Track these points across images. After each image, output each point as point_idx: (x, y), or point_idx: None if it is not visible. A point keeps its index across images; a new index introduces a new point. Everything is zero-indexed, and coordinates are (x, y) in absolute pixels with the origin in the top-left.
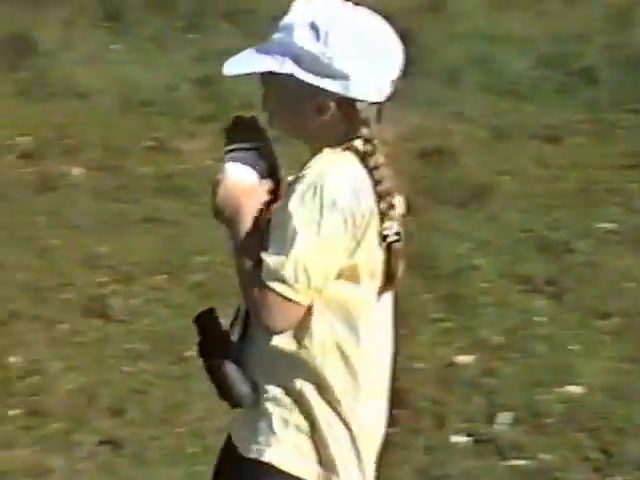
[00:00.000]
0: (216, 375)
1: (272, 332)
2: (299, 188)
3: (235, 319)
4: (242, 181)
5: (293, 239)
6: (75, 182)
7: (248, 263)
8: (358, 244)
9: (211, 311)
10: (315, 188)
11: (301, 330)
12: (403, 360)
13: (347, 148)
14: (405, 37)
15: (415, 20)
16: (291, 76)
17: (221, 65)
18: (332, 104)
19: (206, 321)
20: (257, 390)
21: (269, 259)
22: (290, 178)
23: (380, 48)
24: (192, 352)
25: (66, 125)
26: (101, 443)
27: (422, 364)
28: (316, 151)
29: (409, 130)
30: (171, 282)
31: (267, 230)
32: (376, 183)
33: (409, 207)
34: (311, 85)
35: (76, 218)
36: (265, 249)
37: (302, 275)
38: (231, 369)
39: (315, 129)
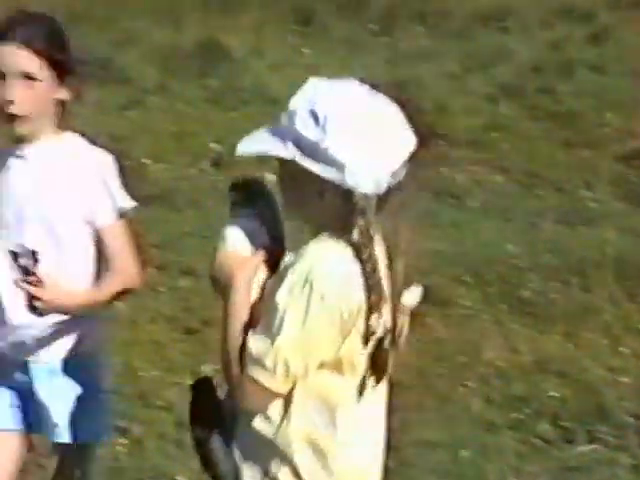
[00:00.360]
0: (202, 447)
1: (247, 412)
2: (290, 278)
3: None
4: (237, 251)
5: (278, 328)
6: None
7: (233, 341)
8: (344, 339)
9: (207, 380)
10: (305, 280)
11: (280, 415)
12: (605, 373)
13: (342, 237)
14: None
15: None
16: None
17: (413, 68)
18: (331, 190)
19: (201, 389)
20: (237, 469)
21: (252, 344)
22: (286, 259)
23: (381, 139)
24: None
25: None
26: None
27: (626, 378)
28: (314, 233)
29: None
30: None
31: (257, 308)
32: (367, 276)
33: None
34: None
35: None
36: (253, 329)
37: (281, 365)
38: (217, 444)
39: (316, 212)
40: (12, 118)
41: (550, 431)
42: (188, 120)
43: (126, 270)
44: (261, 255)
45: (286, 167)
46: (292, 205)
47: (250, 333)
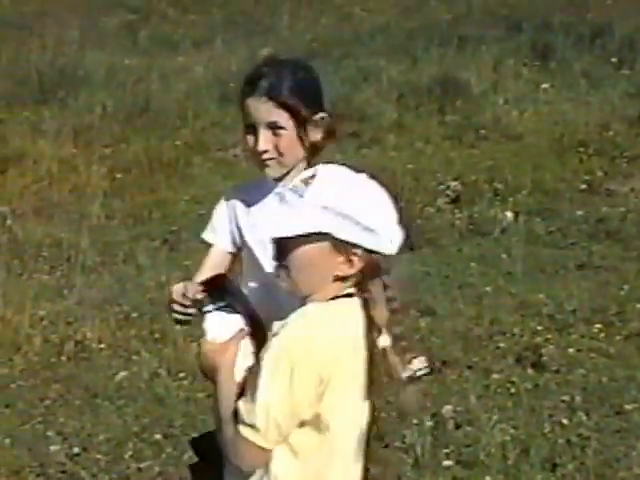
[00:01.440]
0: None
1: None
2: (274, 345)
3: None
4: (215, 339)
5: (266, 391)
6: (506, 227)
7: (226, 410)
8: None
9: (210, 435)
10: (286, 348)
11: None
12: None
13: (350, 295)
14: None
15: None
16: (326, 234)
17: None
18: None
19: (202, 446)
20: None
21: (243, 407)
22: (274, 328)
23: (385, 215)
24: (631, 405)
25: (496, 168)
26: None
27: None
28: (309, 298)
29: None
30: (608, 331)
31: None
32: (369, 331)
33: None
34: (343, 242)
35: (508, 264)
36: (244, 397)
37: (272, 424)
38: None
39: (329, 281)
40: (265, 164)
41: None
42: (425, 157)
43: None
44: (239, 337)
45: (308, 243)
46: (303, 284)
47: (242, 400)
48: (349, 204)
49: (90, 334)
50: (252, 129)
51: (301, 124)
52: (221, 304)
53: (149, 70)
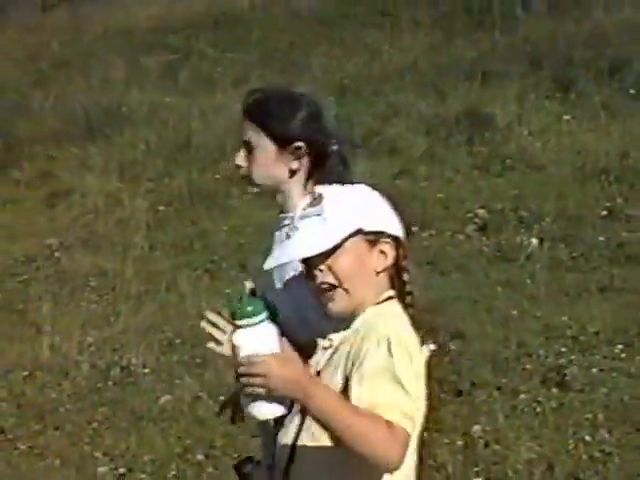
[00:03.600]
0: None
1: (395, 467)
2: (381, 342)
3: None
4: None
5: (400, 384)
6: (531, 253)
7: (346, 415)
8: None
9: (250, 459)
10: (396, 339)
11: None
12: None
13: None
14: None
15: None
16: (358, 233)
17: None
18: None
19: (245, 468)
20: None
21: (381, 400)
22: (336, 338)
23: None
24: None
25: (521, 197)
26: None
27: None
28: (360, 307)
29: None
30: (629, 351)
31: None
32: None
33: None
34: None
35: (533, 288)
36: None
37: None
38: None
39: (374, 280)
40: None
41: None
42: (455, 187)
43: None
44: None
45: (346, 251)
46: (353, 286)
47: (369, 399)
48: (364, 200)
49: (135, 360)
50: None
51: (274, 148)
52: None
53: (190, 108)
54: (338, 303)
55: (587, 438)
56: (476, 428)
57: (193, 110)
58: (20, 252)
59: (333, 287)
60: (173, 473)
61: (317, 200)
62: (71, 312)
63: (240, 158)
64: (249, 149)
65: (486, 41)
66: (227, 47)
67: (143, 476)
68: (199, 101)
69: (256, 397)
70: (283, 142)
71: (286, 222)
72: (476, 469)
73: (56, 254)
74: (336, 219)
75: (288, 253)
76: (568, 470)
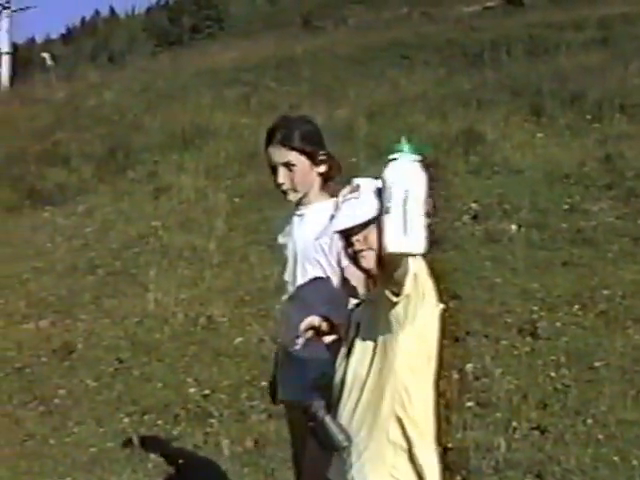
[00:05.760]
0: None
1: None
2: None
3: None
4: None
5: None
6: (511, 236)
7: None
8: None
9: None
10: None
11: None
12: None
13: None
14: None
15: None
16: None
17: (617, 146)
18: None
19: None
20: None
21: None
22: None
23: None
24: (599, 363)
25: (504, 194)
26: (531, 429)
27: None
28: None
29: None
30: (584, 310)
31: None
32: None
33: None
34: None
35: (513, 262)
36: None
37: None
38: (330, 420)
39: None
40: (284, 193)
41: None
42: (454, 186)
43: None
44: None
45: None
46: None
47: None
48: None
49: (216, 311)
50: (274, 169)
51: (307, 161)
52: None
53: (258, 126)
54: (369, 261)
55: (552, 374)
56: (468, 366)
57: (260, 128)
58: (134, 231)
59: (365, 251)
60: (244, 395)
61: (355, 188)
62: (170, 276)
63: (282, 177)
64: (289, 168)
65: (479, 77)
66: (285, 82)
67: (223, 396)
68: (265, 121)
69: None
70: (313, 156)
71: (301, 211)
72: (468, 396)
73: (159, 233)
74: (370, 200)
75: (338, 223)
76: (538, 398)
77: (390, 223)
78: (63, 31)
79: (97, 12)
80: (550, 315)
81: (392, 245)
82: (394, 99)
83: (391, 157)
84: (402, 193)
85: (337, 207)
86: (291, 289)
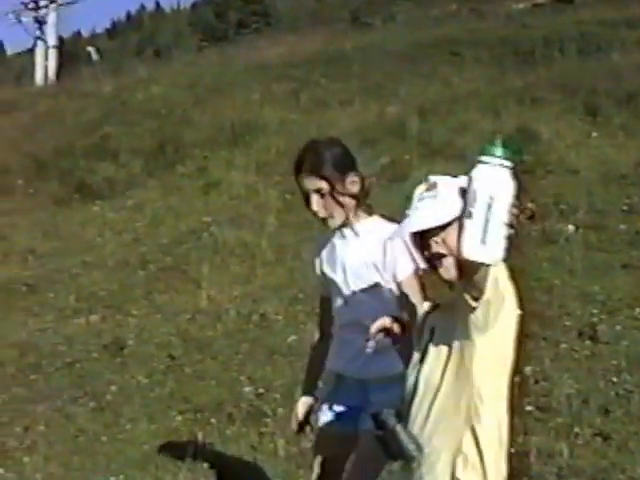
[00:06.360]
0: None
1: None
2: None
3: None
4: None
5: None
6: (568, 237)
7: None
8: None
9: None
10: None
11: None
12: None
13: None
14: None
15: None
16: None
17: None
18: None
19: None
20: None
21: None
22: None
23: None
24: None
25: (560, 194)
26: (594, 435)
27: None
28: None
29: None
30: None
31: None
32: None
33: None
34: None
35: (571, 264)
36: None
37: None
38: (400, 429)
39: None
40: (324, 220)
41: None
42: None
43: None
44: None
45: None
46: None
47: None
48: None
49: (269, 309)
50: (306, 196)
51: (340, 186)
52: None
53: (308, 122)
54: (449, 270)
55: (614, 379)
56: (528, 369)
57: (310, 124)
58: (185, 227)
59: (444, 256)
60: (299, 394)
61: (432, 186)
62: (222, 272)
63: (316, 204)
64: (321, 195)
65: (531, 74)
66: (335, 78)
67: (277, 395)
68: (315, 117)
69: None
70: (344, 180)
71: (344, 233)
72: (528, 400)
73: (211, 228)
74: (450, 200)
75: (417, 223)
76: (600, 403)
77: (470, 229)
78: (108, 25)
79: (143, 6)
80: (610, 318)
81: (468, 252)
82: (446, 96)
83: (482, 159)
84: (487, 199)
85: (412, 206)
86: (344, 315)
